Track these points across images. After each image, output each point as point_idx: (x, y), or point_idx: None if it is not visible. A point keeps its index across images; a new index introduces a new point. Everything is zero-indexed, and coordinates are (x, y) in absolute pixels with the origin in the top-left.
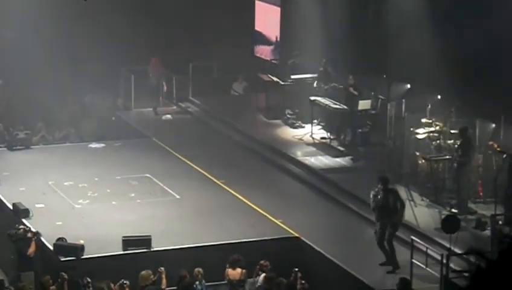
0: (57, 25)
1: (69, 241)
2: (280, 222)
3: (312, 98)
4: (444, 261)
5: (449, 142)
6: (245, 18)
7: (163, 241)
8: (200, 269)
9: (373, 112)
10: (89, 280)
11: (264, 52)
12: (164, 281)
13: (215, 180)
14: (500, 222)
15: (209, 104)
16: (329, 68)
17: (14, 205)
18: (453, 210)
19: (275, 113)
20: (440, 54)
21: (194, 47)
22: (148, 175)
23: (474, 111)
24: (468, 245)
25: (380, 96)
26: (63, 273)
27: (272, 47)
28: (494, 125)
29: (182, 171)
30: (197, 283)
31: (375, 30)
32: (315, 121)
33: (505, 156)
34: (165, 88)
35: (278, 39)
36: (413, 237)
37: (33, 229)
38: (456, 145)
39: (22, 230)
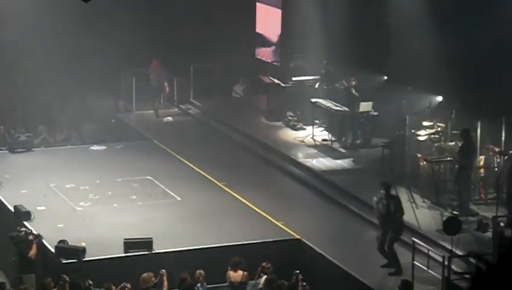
0: (58, 28)
1: (70, 243)
2: (281, 224)
3: (313, 100)
4: (446, 263)
5: (450, 143)
6: (246, 20)
7: (164, 243)
8: (202, 271)
9: (375, 113)
10: (91, 282)
11: (265, 54)
12: (166, 283)
13: (217, 182)
14: (502, 224)
15: (210, 106)
16: (331, 68)
17: (15, 207)
18: (455, 212)
19: (276, 115)
20: (440, 55)
21: (195, 49)
22: (149, 177)
23: (475, 112)
24: (470, 247)
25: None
26: (65, 276)
27: (272, 49)
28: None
29: (183, 173)
30: (199, 285)
31: (375, 31)
32: (316, 121)
33: (506, 157)
34: (167, 89)
35: (279, 41)
36: (415, 239)
37: (34, 232)
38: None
39: (23, 232)
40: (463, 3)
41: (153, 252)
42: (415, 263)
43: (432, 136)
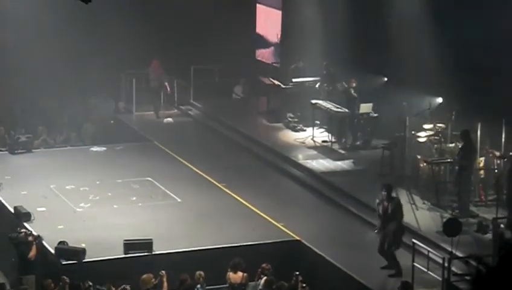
0: (58, 29)
1: (70, 244)
2: (281, 225)
3: (313, 101)
4: (446, 264)
5: (450, 145)
6: (246, 21)
7: (164, 244)
8: (202, 273)
9: (375, 115)
10: (90, 283)
11: (265, 55)
12: (165, 284)
13: (217, 184)
14: (502, 225)
15: (211, 108)
16: (331, 69)
17: (15, 208)
18: (455, 213)
19: (277, 116)
20: (441, 56)
21: (195, 50)
22: (149, 178)
23: (475, 114)
24: (470, 249)
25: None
26: (65, 277)
27: (273, 50)
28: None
29: (183, 175)
30: (199, 286)
31: (375, 33)
32: (317, 122)
33: (505, 159)
34: (168, 89)
35: (279, 42)
36: (415, 241)
37: (34, 233)
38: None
39: (23, 233)
40: (463, 4)
41: (153, 253)
42: (415, 264)
43: (432, 137)
